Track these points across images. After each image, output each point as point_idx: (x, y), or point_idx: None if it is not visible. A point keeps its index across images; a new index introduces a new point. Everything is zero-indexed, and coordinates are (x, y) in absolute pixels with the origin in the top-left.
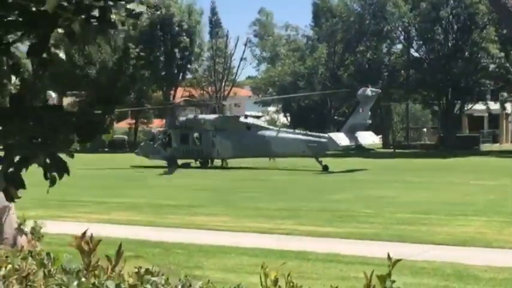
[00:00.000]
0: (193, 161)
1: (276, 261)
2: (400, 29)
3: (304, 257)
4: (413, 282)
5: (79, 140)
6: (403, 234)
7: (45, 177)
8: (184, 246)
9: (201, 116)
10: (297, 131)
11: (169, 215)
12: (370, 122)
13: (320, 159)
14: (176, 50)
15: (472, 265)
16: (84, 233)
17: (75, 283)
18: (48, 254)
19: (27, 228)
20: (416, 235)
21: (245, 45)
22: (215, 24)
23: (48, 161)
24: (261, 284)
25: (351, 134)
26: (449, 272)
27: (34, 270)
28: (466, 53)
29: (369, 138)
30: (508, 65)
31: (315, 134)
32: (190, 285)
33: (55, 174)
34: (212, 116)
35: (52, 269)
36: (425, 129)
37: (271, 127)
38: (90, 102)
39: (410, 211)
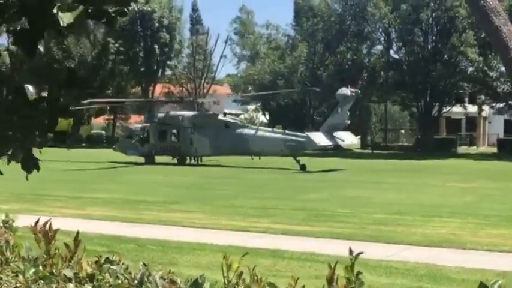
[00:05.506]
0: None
1: (251, 259)
2: (380, 30)
3: (280, 255)
4: (388, 283)
5: (49, 131)
6: (378, 235)
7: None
8: (159, 243)
9: (179, 113)
10: (275, 129)
11: (144, 211)
12: (348, 122)
13: (298, 158)
14: (156, 46)
15: (446, 266)
16: (46, 222)
17: (32, 271)
18: (7, 241)
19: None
20: (391, 235)
21: (225, 42)
22: (196, 21)
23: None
24: (223, 275)
25: (329, 133)
26: (422, 272)
27: None
28: (445, 56)
29: (347, 139)
30: (486, 68)
31: (293, 133)
32: (150, 275)
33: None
34: (191, 113)
35: (10, 257)
36: (403, 131)
37: (249, 125)
38: (58, 86)
39: (386, 212)
